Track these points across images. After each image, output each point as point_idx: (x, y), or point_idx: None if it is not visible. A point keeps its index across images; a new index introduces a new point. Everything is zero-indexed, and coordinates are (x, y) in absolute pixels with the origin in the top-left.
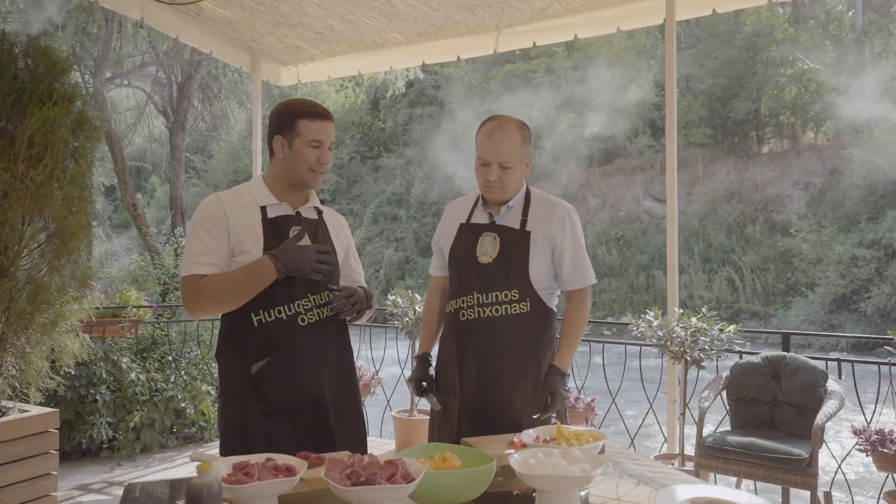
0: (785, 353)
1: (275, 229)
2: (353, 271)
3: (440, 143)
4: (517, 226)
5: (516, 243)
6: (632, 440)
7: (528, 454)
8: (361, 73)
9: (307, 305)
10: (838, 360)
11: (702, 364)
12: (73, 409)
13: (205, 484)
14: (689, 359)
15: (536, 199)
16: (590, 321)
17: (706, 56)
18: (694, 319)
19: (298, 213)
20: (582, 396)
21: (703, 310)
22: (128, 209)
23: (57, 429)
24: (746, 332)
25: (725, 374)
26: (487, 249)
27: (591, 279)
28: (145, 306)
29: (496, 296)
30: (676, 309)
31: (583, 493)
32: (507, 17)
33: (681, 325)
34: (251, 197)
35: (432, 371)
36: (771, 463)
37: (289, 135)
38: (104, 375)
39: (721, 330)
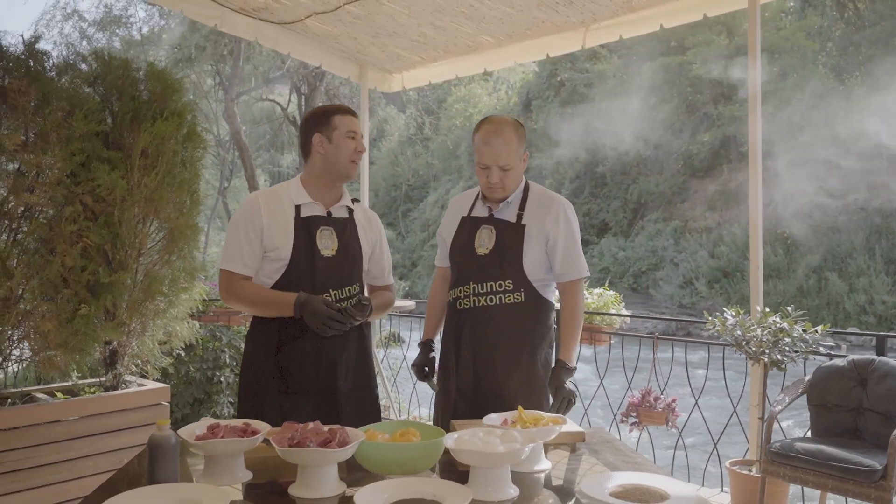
0: (874, 357)
1: (305, 229)
2: (378, 266)
3: (592, 141)
4: (513, 219)
5: (511, 236)
6: (715, 444)
7: (469, 433)
8: (458, 76)
9: (328, 300)
10: None
11: (782, 366)
12: (202, 388)
13: (162, 436)
14: (767, 360)
15: (534, 194)
16: (678, 319)
17: (892, 34)
18: (773, 319)
19: (329, 214)
20: (662, 396)
21: (788, 309)
22: None
23: (168, 402)
24: (835, 333)
25: (808, 377)
26: (484, 241)
27: (583, 272)
28: None
29: (491, 286)
30: (758, 308)
31: (542, 475)
32: (590, 13)
33: (761, 326)
34: (288, 195)
35: (433, 356)
36: (840, 473)
37: (326, 131)
38: (227, 360)
39: (804, 330)
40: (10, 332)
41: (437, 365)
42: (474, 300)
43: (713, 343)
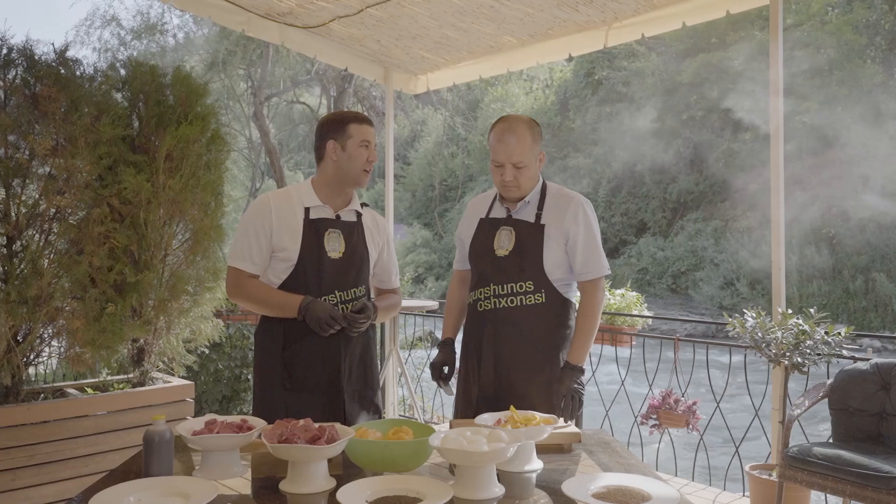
0: None
1: (313, 230)
2: (385, 270)
3: (630, 140)
4: (532, 219)
5: (531, 236)
6: (736, 448)
7: (456, 433)
8: (482, 76)
9: (332, 301)
10: None
11: (803, 369)
12: (231, 386)
13: (157, 431)
14: (787, 363)
15: (552, 194)
16: (700, 321)
17: None
18: (795, 321)
19: (338, 217)
20: (683, 399)
21: (811, 311)
22: None
23: (192, 398)
24: (860, 335)
25: (830, 381)
26: (504, 242)
27: (603, 270)
28: None
29: (512, 287)
30: (779, 309)
31: (533, 475)
32: (612, 12)
33: (782, 328)
34: (298, 197)
35: (454, 353)
36: (858, 480)
37: (341, 139)
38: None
39: (827, 333)
40: (41, 330)
41: (457, 364)
42: (495, 301)
43: (735, 345)
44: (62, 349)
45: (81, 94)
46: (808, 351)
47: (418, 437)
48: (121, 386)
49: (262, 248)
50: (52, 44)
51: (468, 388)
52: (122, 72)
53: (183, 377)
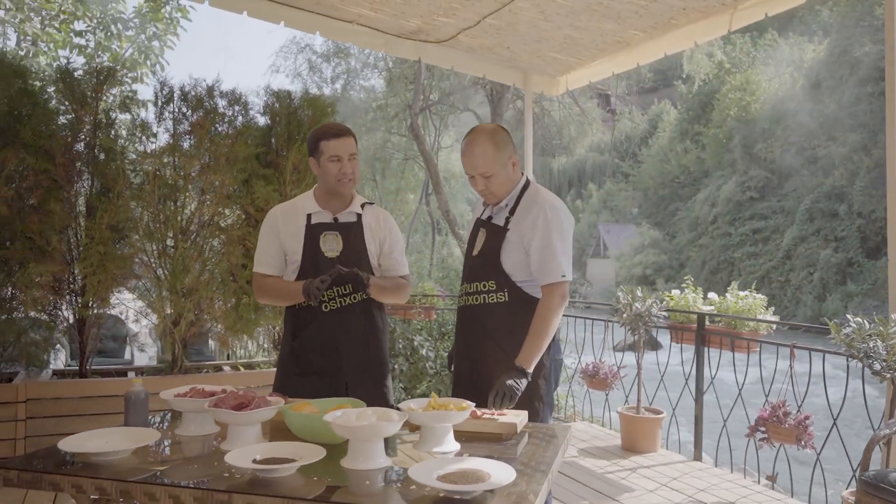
0: None
1: (311, 234)
2: (390, 259)
3: None
4: (502, 223)
5: (494, 239)
6: (854, 471)
7: (356, 412)
8: (614, 73)
9: (331, 295)
10: None
11: None
12: None
13: (134, 391)
14: (891, 377)
15: (525, 198)
16: (812, 326)
17: None
18: None
19: (336, 219)
20: (794, 412)
21: None
22: (443, 214)
23: None
24: None
25: None
26: (478, 243)
27: (555, 276)
28: (434, 295)
29: (476, 286)
30: (893, 316)
31: (449, 456)
32: None
33: (886, 337)
34: (302, 206)
35: None
36: None
37: (316, 155)
38: (402, 349)
39: None
40: (192, 316)
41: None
42: (465, 299)
43: (850, 355)
44: (211, 333)
45: (223, 120)
46: None
47: None
48: (264, 366)
49: (275, 252)
50: (205, 80)
51: (455, 375)
52: (266, 98)
53: None
